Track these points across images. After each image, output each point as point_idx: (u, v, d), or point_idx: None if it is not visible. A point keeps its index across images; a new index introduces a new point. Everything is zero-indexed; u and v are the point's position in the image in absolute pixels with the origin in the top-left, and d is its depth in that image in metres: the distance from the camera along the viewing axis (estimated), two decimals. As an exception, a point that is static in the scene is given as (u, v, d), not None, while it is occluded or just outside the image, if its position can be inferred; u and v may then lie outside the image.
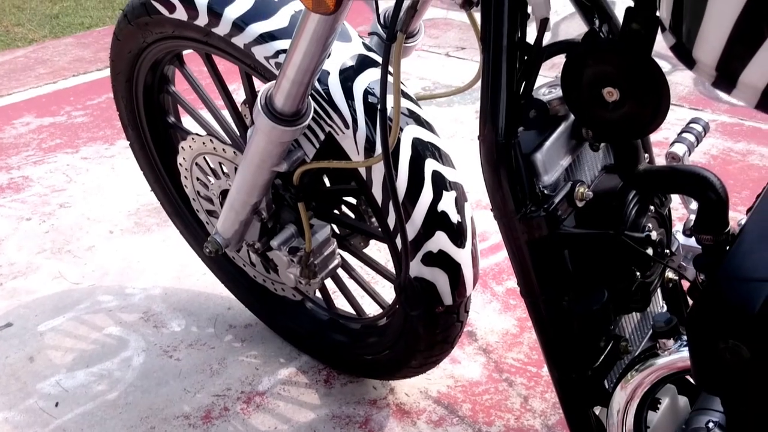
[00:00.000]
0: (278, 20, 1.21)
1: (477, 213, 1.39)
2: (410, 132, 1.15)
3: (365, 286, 1.52)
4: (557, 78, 0.88)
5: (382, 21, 1.30)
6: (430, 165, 1.15)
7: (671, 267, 0.99)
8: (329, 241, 1.34)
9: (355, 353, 1.50)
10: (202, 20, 1.25)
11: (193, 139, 1.41)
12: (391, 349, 1.39)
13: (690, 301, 1.01)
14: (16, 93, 3.06)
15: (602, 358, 0.99)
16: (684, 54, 0.70)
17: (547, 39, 0.84)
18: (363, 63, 1.19)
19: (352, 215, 1.45)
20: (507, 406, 1.48)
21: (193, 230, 1.70)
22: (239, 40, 1.22)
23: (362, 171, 1.19)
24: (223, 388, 1.56)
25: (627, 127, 0.84)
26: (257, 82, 1.33)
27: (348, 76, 1.17)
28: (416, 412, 1.48)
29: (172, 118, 1.60)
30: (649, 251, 0.92)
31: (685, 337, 0.91)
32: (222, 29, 1.23)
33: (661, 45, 0.75)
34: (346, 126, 1.16)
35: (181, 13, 1.28)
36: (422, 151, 1.15)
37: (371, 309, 1.63)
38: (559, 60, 0.88)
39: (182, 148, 1.44)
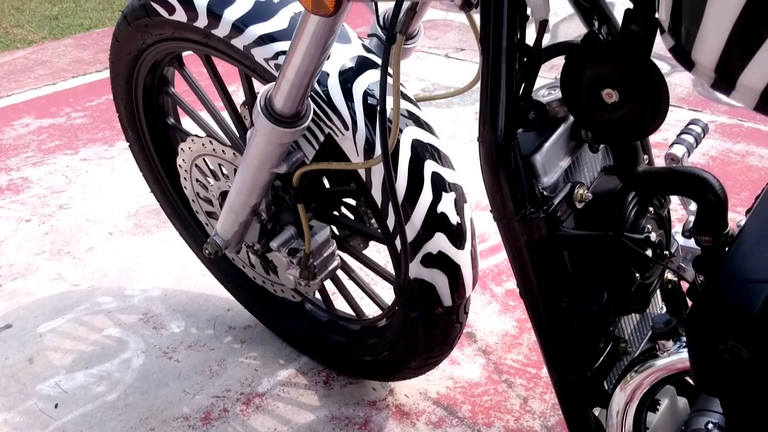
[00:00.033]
0: (278, 22, 1.21)
1: (476, 214, 1.39)
2: (410, 133, 1.15)
3: (365, 288, 1.52)
4: (556, 79, 0.88)
5: (381, 23, 1.30)
6: (430, 166, 1.15)
7: (670, 268, 0.99)
8: (329, 242, 1.34)
9: (355, 354, 1.50)
10: (202, 22, 1.25)
11: (192, 140, 1.41)
12: (390, 351, 1.39)
13: (689, 303, 1.01)
14: (15, 94, 3.06)
15: (602, 359, 0.99)
16: (683, 56, 0.70)
17: (546, 40, 0.84)
18: (362, 64, 1.19)
19: (351, 216, 1.45)
20: (506, 407, 1.48)
21: (193, 232, 1.70)
22: (239, 42, 1.22)
23: (362, 172, 1.19)
24: (222, 389, 1.56)
25: (626, 129, 0.84)
26: (257, 84, 1.33)
27: (347, 77, 1.17)
28: (416, 414, 1.48)
29: (172, 120, 1.60)
30: (649, 252, 0.92)
31: (684, 339, 0.91)
32: (222, 31, 1.24)
33: (660, 46, 0.76)
34: (346, 127, 1.16)
35: (180, 15, 1.28)
36: (422, 152, 1.15)
37: (371, 310, 1.63)
38: (559, 61, 0.88)
39: (182, 149, 1.44)
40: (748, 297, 0.72)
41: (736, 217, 0.86)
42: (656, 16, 0.76)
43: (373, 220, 1.39)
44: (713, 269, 0.84)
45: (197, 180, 1.47)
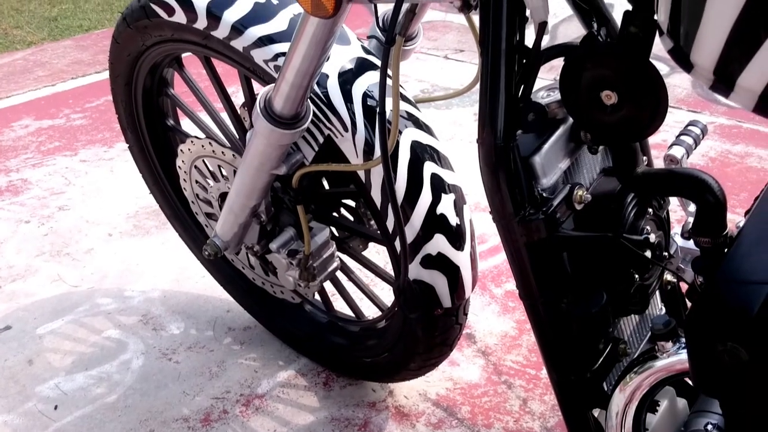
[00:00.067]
0: (277, 23, 1.21)
1: (476, 215, 1.39)
2: (409, 135, 1.16)
3: (364, 289, 1.52)
4: (556, 81, 0.88)
5: (381, 24, 1.30)
6: (429, 168, 1.15)
7: (670, 269, 0.99)
8: (328, 243, 1.34)
9: (354, 356, 1.50)
10: (201, 23, 1.26)
11: (192, 142, 1.41)
12: (390, 352, 1.39)
13: (688, 304, 1.01)
14: (14, 96, 3.06)
15: (601, 360, 0.99)
16: (682, 57, 0.70)
17: (545, 42, 0.84)
18: (362, 66, 1.19)
19: (351, 218, 1.45)
20: (506, 409, 1.48)
21: (192, 233, 1.70)
22: (238, 43, 1.22)
23: (361, 174, 1.19)
24: (222, 390, 1.56)
25: (625, 130, 0.84)
26: (256, 85, 1.33)
27: (347, 79, 1.17)
28: (415, 415, 1.48)
29: (171, 121, 1.60)
30: (648, 254, 0.92)
31: (683, 340, 0.91)
32: (221, 32, 1.24)
33: (659, 47, 0.76)
34: (345, 129, 1.16)
35: (180, 17, 1.28)
36: (421, 154, 1.15)
37: (370, 311, 1.63)
38: (558, 62, 0.88)
39: (181, 151, 1.44)
40: (747, 298, 0.72)
41: (735, 219, 0.86)
42: (655, 17, 0.76)
43: (372, 222, 1.40)
44: (712, 270, 0.84)
45: (197, 181, 1.47)
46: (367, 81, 1.18)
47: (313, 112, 1.18)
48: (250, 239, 1.38)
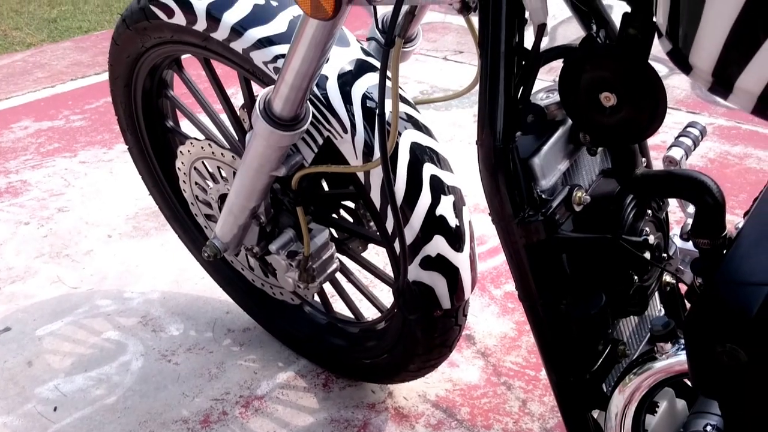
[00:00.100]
0: (277, 25, 1.21)
1: (475, 216, 1.39)
2: (408, 136, 1.16)
3: (363, 290, 1.52)
4: (555, 82, 0.88)
5: (380, 26, 1.30)
6: (429, 169, 1.15)
7: (669, 271, 0.99)
8: (328, 245, 1.34)
9: (354, 357, 1.50)
10: (201, 25, 1.26)
11: (191, 143, 1.41)
12: (389, 353, 1.39)
13: (687, 305, 1.02)
14: (14, 97, 3.06)
15: (600, 361, 0.99)
16: (680, 59, 0.70)
17: (544, 43, 0.84)
18: (361, 68, 1.19)
19: (350, 219, 1.45)
20: (505, 410, 1.48)
21: (192, 234, 1.70)
22: (238, 45, 1.22)
23: (360, 175, 1.19)
24: (221, 392, 1.56)
25: (624, 132, 0.84)
26: (255, 87, 1.33)
27: (346, 80, 1.18)
28: (415, 416, 1.48)
29: (171, 123, 1.60)
30: (647, 255, 0.92)
31: (682, 341, 0.91)
32: (221, 34, 1.24)
33: (658, 48, 0.76)
34: (345, 131, 1.16)
35: (179, 18, 1.28)
36: (420, 155, 1.16)
37: (369, 313, 1.63)
38: (557, 64, 0.88)
39: (181, 152, 1.44)
40: (746, 299, 0.72)
41: (734, 220, 0.86)
42: (654, 19, 0.76)
43: (372, 223, 1.40)
44: (711, 272, 0.84)
45: (196, 183, 1.47)
46: (367, 83, 1.18)
47: (313, 113, 1.18)
48: (249, 241, 1.38)
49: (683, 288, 0.98)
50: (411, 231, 1.15)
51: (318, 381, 1.58)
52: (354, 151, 1.16)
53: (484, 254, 1.94)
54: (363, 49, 1.23)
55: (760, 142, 2.43)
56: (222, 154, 1.36)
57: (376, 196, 1.18)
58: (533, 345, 1.61)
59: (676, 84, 2.83)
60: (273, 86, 1.14)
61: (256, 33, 1.20)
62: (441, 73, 3.15)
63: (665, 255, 0.98)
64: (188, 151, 1.42)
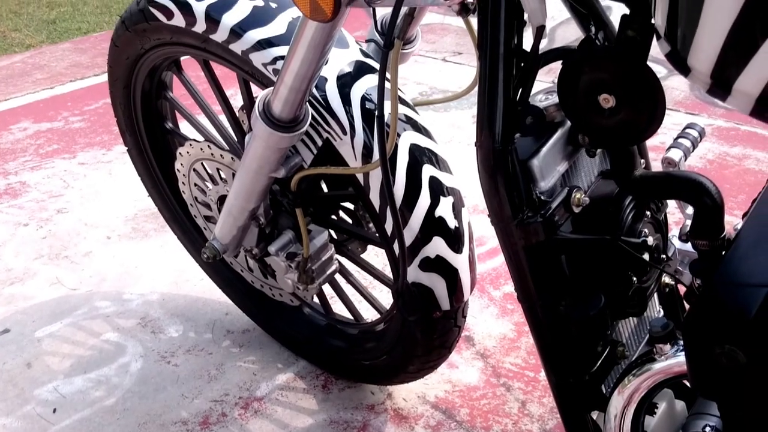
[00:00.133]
0: (276, 27, 1.21)
1: (474, 217, 1.39)
2: (407, 138, 1.16)
3: (363, 292, 1.52)
4: (554, 84, 0.88)
5: (379, 28, 1.31)
6: (428, 171, 1.16)
7: (667, 272, 0.99)
8: (327, 246, 1.34)
9: (353, 358, 1.51)
10: (200, 27, 1.26)
11: (190, 144, 1.41)
12: (388, 355, 1.39)
13: (686, 306, 1.02)
14: (13, 98, 3.06)
15: (599, 362, 1.00)
16: (679, 62, 0.70)
17: (543, 45, 0.84)
18: (360, 69, 1.20)
19: (349, 221, 1.45)
20: (505, 411, 1.48)
21: (191, 236, 1.70)
22: (237, 47, 1.22)
23: (360, 177, 1.19)
24: (221, 393, 1.56)
25: (623, 134, 0.84)
26: (255, 89, 1.33)
27: (345, 82, 1.18)
28: (414, 417, 1.48)
29: (170, 124, 1.60)
30: (646, 256, 0.92)
31: (681, 342, 0.91)
32: (220, 36, 1.24)
33: (657, 49, 0.76)
34: (344, 132, 1.16)
35: (179, 20, 1.28)
36: (419, 157, 1.16)
37: (369, 314, 1.63)
38: (556, 65, 0.88)
39: (180, 153, 1.44)
40: (745, 301, 0.72)
41: (733, 221, 0.86)
42: (653, 21, 0.77)
43: (371, 224, 1.40)
44: (710, 273, 0.84)
45: (195, 184, 1.47)
46: (366, 84, 1.18)
47: (312, 115, 1.18)
48: (248, 242, 1.38)
49: (682, 289, 0.98)
50: (410, 232, 1.15)
51: (317, 382, 1.58)
52: (353, 152, 1.16)
53: (483, 255, 1.94)
54: (362, 51, 1.23)
55: (759, 143, 2.43)
56: (221, 155, 1.36)
57: (375, 197, 1.18)
58: (532, 346, 1.61)
59: (674, 85, 2.83)
60: (272, 88, 1.14)
61: (255, 35, 1.20)
62: (440, 75, 3.15)
63: (664, 256, 0.98)
64: (187, 152, 1.42)
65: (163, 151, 1.63)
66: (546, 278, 0.93)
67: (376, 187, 1.17)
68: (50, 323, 1.77)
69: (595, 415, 1.05)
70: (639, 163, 0.96)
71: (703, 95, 2.75)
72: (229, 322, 1.76)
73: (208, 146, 1.38)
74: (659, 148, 2.23)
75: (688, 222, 0.99)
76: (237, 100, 1.42)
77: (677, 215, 1.81)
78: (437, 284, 1.19)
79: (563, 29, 3.23)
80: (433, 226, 1.16)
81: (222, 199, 1.43)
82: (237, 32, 1.21)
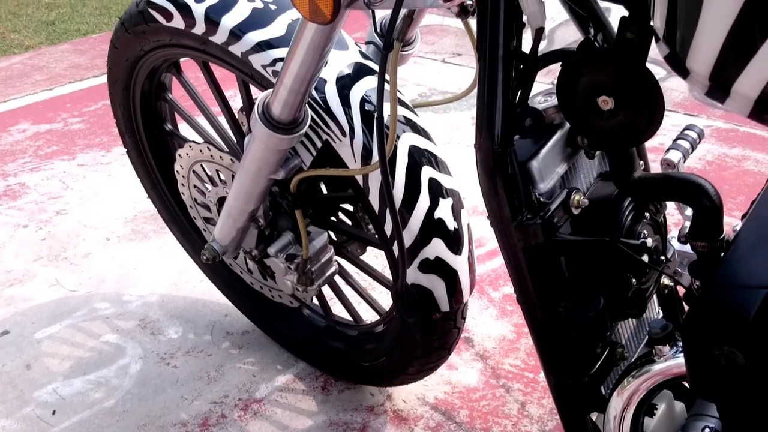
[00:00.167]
0: (275, 29, 1.21)
1: (474, 219, 1.39)
2: (407, 140, 1.16)
3: (362, 293, 1.52)
4: (553, 85, 0.89)
5: (378, 30, 1.31)
6: (427, 172, 1.16)
7: (667, 274, 0.99)
8: (326, 248, 1.34)
9: (353, 360, 1.51)
10: (200, 28, 1.26)
11: (190, 146, 1.41)
12: (388, 356, 1.39)
13: (686, 308, 1.02)
14: (12, 100, 3.06)
15: (599, 364, 1.00)
16: (678, 64, 0.71)
17: (542, 47, 0.85)
18: (360, 71, 1.20)
19: (349, 222, 1.45)
20: (504, 412, 1.48)
21: (191, 237, 1.70)
22: (236, 49, 1.23)
23: (359, 178, 1.19)
24: (220, 395, 1.56)
25: (622, 135, 0.84)
26: (254, 90, 1.33)
27: (345, 84, 1.18)
28: (413, 419, 1.48)
29: (170, 126, 1.61)
30: (645, 258, 0.92)
31: (680, 343, 0.91)
32: (219, 37, 1.24)
33: (656, 51, 0.76)
34: (343, 134, 1.16)
35: (178, 22, 1.28)
36: (419, 158, 1.16)
37: (368, 316, 1.64)
38: (555, 66, 0.88)
39: (179, 155, 1.44)
40: (744, 302, 0.73)
41: (732, 222, 0.86)
42: (651, 23, 0.77)
43: (370, 226, 1.40)
44: (709, 274, 0.84)
45: (195, 186, 1.47)
46: (365, 86, 1.18)
47: (311, 117, 1.18)
48: (248, 243, 1.38)
49: (681, 291, 0.98)
50: (410, 234, 1.16)
51: (317, 384, 1.58)
52: (352, 154, 1.17)
53: (482, 256, 1.94)
54: (361, 53, 1.23)
55: (758, 144, 2.43)
56: (221, 157, 1.36)
57: (374, 199, 1.19)
58: (532, 347, 1.61)
59: (673, 86, 2.83)
60: (272, 90, 1.14)
61: (254, 36, 1.20)
62: (439, 76, 3.15)
63: (663, 258, 0.98)
64: (187, 154, 1.42)
65: (162, 153, 1.63)
66: (545, 280, 0.93)
67: (376, 188, 1.17)
68: (50, 325, 1.77)
69: (594, 416, 1.05)
70: (638, 165, 0.96)
71: (702, 96, 2.75)
72: (228, 324, 1.76)
73: (208, 148, 1.38)
74: (658, 150, 2.23)
75: (687, 223, 1.00)
76: (236, 102, 1.42)
77: (676, 217, 1.81)
78: (437, 286, 1.19)
79: (562, 31, 3.24)
80: (432, 227, 1.16)
81: (221, 201, 1.43)
82: (236, 34, 1.21)
